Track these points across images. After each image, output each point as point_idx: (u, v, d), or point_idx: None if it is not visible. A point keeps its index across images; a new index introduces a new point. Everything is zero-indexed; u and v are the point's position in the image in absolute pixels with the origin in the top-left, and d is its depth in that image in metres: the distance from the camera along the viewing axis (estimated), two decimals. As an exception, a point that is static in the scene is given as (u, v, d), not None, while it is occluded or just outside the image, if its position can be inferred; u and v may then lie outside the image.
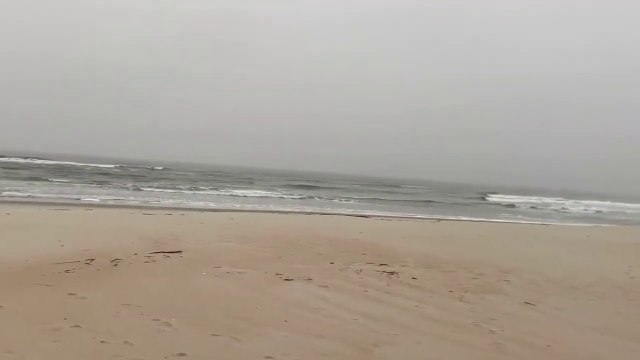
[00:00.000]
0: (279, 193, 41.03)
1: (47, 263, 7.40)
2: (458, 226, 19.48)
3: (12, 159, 58.92)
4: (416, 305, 6.68)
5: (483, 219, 29.49)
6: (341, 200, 38.31)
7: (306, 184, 58.63)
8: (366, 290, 7.25)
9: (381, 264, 9.29)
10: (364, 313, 6.16)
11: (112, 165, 63.22)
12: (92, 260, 7.81)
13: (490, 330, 5.92)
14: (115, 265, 7.66)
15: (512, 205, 49.88)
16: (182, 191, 34.79)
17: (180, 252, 9.00)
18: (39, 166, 51.91)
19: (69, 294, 5.96)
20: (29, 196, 23.75)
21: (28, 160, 58.96)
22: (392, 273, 8.58)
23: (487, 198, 58.82)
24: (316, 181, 67.94)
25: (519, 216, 36.44)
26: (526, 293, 7.97)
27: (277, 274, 7.82)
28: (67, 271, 7.04)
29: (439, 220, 22.03)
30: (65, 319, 5.07)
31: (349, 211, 28.50)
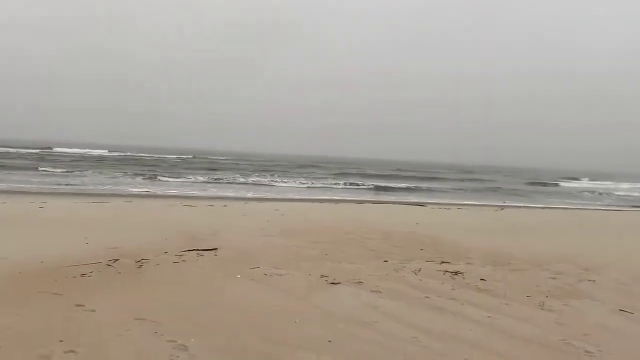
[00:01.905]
0: (331, 181, 39.99)
1: (64, 265, 6.59)
2: (524, 214, 17.92)
3: (79, 150, 60.37)
4: (489, 316, 5.51)
5: (549, 206, 27.68)
6: (395, 188, 36.87)
7: (358, 171, 57.43)
8: (427, 297, 6.11)
9: (442, 262, 8.11)
10: (426, 328, 5.04)
11: (174, 156, 64.01)
12: (115, 260, 6.96)
13: (586, 351, 4.71)
14: (140, 266, 6.79)
15: (574, 190, 47.27)
16: (232, 181, 34.24)
17: (215, 249, 8.07)
18: (104, 158, 52.83)
19: (77, 305, 5.08)
20: (69, 186, 23.63)
21: (101, 152, 60.27)
22: (456, 273, 7.40)
23: (560, 184, 56.07)
24: (368, 168, 66.67)
25: (585, 201, 34.14)
26: (618, 297, 6.66)
27: (322, 276, 6.77)
28: (83, 275, 6.20)
29: (502, 207, 20.44)
30: (61, 341, 4.16)
31: (405, 199, 27.21)
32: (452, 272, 7.41)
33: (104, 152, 63.34)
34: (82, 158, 51.02)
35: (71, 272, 6.30)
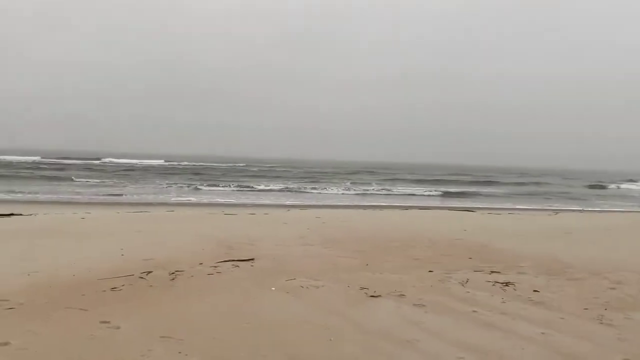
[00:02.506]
0: (374, 187, 39.45)
1: (96, 278, 6.42)
2: (580, 218, 16.99)
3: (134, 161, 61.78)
4: (543, 333, 5.00)
5: (607, 209, 26.46)
6: (441, 192, 36.00)
7: (406, 177, 56.64)
8: (475, 311, 5.63)
9: (492, 272, 7.58)
10: (474, 346, 4.59)
11: (223, 164, 64.76)
12: (149, 273, 6.75)
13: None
14: (173, 279, 6.55)
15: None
16: (277, 189, 34.17)
17: (252, 259, 7.79)
18: (153, 167, 53.82)
19: (102, 322, 4.85)
20: (115, 196, 23.97)
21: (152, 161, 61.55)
22: (507, 284, 6.87)
23: (607, 187, 53.49)
24: (414, 173, 65.72)
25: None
26: (687, 310, 6.02)
27: (361, 289, 6.37)
28: (113, 289, 6.00)
29: (556, 212, 19.50)
30: (77, 362, 3.93)
31: (452, 204, 26.49)
32: (502, 283, 6.89)
33: (154, 162, 64.56)
34: (132, 167, 52.10)
35: (102, 285, 6.11)
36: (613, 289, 6.80)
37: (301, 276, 6.88)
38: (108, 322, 4.86)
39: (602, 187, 52.18)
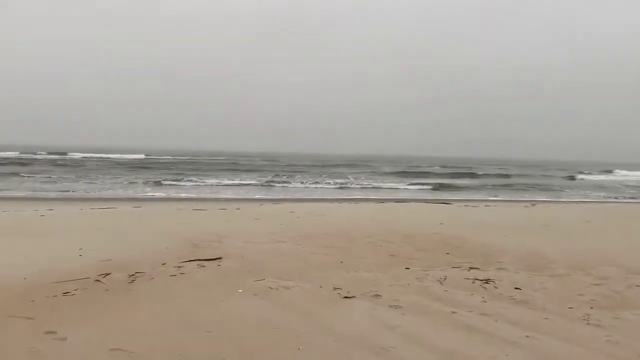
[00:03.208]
0: (350, 179, 39.13)
1: (48, 282, 5.92)
2: (558, 210, 16.80)
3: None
4: (527, 336, 4.68)
5: (584, 200, 26.53)
6: (416, 185, 35.82)
7: (384, 170, 56.59)
8: (454, 312, 5.29)
9: (471, 268, 7.27)
10: (454, 353, 4.25)
11: (202, 158, 63.89)
12: (106, 275, 6.27)
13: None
14: (132, 282, 6.09)
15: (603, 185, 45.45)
16: (254, 182, 33.64)
17: (219, 258, 7.35)
18: (126, 162, 52.73)
19: (47, 332, 4.39)
20: (84, 192, 23.25)
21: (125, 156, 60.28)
22: (487, 281, 6.55)
23: (576, 177, 53.76)
24: (392, 164, 65.81)
25: (622, 195, 32.51)
26: (675, 306, 5.77)
27: (334, 289, 5.99)
28: (65, 294, 5.52)
29: (533, 204, 19.32)
30: (12, 382, 3.47)
31: (427, 196, 26.28)
32: (482, 280, 6.57)
33: (133, 156, 63.32)
34: (104, 161, 51.01)
35: (53, 290, 5.62)
36: (598, 285, 6.53)
37: (271, 276, 6.47)
38: (54, 332, 4.40)
39: (574, 178, 52.52)
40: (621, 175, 59.08)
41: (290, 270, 6.83)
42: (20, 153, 60.69)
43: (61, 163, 47.42)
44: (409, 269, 7.15)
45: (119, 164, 49.26)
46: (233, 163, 59.06)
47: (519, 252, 8.45)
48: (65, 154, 64.00)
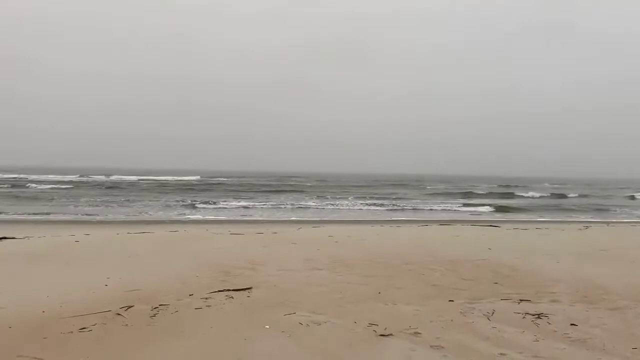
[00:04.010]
0: (394, 200, 38.43)
1: (67, 315, 5.64)
2: (613, 233, 15.80)
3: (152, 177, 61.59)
4: (589, 384, 4.08)
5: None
6: (462, 205, 34.84)
7: (431, 189, 55.66)
8: (503, 354, 4.72)
9: (522, 300, 6.65)
10: (504, 406, 3.70)
11: (246, 178, 64.38)
12: (129, 308, 5.96)
13: None
14: (154, 315, 5.75)
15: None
16: (293, 204, 33.43)
17: (249, 289, 6.96)
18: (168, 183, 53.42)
19: (54, 375, 4.07)
20: (123, 215, 23.35)
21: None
22: (539, 316, 5.94)
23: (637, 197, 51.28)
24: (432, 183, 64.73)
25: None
26: None
27: (370, 325, 5.50)
28: (82, 329, 5.20)
29: (586, 226, 18.28)
30: None
31: (474, 218, 25.44)
32: (534, 315, 5.97)
33: (190, 178, 64.27)
34: (147, 183, 51.74)
35: (70, 325, 5.32)
36: (663, 320, 5.84)
37: (302, 309, 6.03)
38: (61, 376, 4.07)
39: (630, 197, 50.31)
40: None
41: (324, 302, 6.37)
42: (81, 176, 62.48)
43: (110, 185, 48.40)
44: (452, 301, 6.58)
45: (164, 185, 49.88)
46: (273, 183, 59.25)
47: (573, 281, 7.76)
48: (109, 175, 65.53)
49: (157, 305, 6.07)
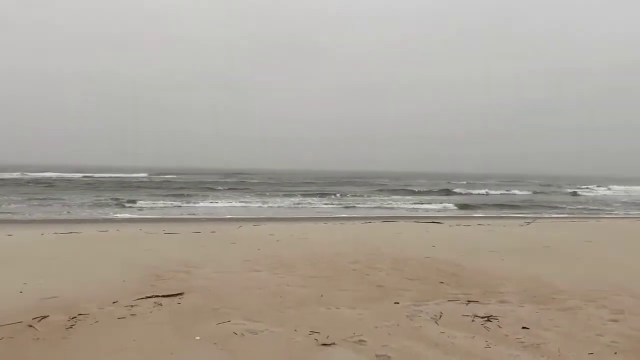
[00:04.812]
0: (320, 198, 38.24)
1: (-32, 329, 4.94)
2: (555, 228, 15.91)
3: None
4: (545, 395, 3.77)
5: (582, 216, 25.75)
6: (406, 203, 34.97)
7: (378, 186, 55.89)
8: (453, 363, 4.38)
9: (469, 301, 6.37)
10: None
11: (172, 175, 62.90)
12: (43, 318, 5.31)
13: None
14: (71, 327, 5.12)
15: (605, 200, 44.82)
16: (237, 200, 32.71)
17: (181, 294, 6.40)
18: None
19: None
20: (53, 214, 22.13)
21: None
22: (488, 319, 5.65)
23: (579, 193, 52.81)
24: (379, 181, 65.16)
25: (619, 211, 31.63)
26: None
27: (311, 333, 5.06)
28: (-18, 346, 4.54)
29: (529, 222, 18.41)
30: None
31: (417, 213, 25.46)
32: (483, 318, 5.68)
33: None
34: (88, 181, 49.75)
35: (-31, 341, 4.65)
36: (615, 321, 5.66)
37: (238, 316, 5.53)
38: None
39: (563, 193, 51.91)
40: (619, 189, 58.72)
41: (262, 308, 5.89)
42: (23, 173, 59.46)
43: (43, 182, 46.21)
44: (398, 303, 6.23)
45: (102, 183, 48.04)
46: (221, 181, 58.21)
47: (521, 279, 7.57)
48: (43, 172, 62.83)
49: (76, 315, 5.45)
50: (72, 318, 5.37)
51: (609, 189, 61.47)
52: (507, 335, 5.12)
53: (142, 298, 6.16)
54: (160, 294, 6.33)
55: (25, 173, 61.35)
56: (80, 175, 60.15)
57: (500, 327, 5.39)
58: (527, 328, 5.35)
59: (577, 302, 6.41)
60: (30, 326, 5.11)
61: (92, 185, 43.42)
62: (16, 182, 45.39)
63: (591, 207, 33.52)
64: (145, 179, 58.02)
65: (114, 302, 5.97)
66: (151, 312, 5.66)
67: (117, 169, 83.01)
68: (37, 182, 46.68)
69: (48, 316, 5.39)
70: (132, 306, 5.83)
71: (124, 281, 7.04)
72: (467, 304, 6.23)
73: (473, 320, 5.59)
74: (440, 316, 5.71)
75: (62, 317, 5.37)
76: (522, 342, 4.94)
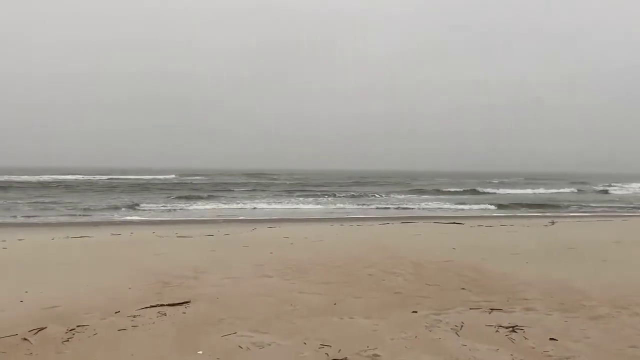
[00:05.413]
0: (342, 198, 37.81)
1: (-40, 343, 4.69)
2: (581, 229, 15.28)
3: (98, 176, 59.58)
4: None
5: (608, 214, 25.01)
6: (427, 203, 34.40)
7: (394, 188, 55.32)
8: (476, 381, 4.00)
9: (492, 309, 5.96)
10: None
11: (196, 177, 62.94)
12: (40, 330, 5.04)
13: None
14: (68, 340, 4.84)
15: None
16: (251, 202, 32.46)
17: (187, 302, 6.10)
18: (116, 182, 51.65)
19: None
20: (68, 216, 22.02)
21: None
22: (513, 329, 5.26)
23: (609, 192, 51.49)
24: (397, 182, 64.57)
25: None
26: None
27: (322, 346, 4.71)
28: (-29, 362, 4.28)
29: (552, 222, 17.79)
30: None
31: (437, 214, 24.96)
32: (507, 328, 5.28)
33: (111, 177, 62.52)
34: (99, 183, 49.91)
35: (-41, 356, 4.39)
36: (651, 329, 5.23)
37: (244, 327, 5.22)
38: None
39: (592, 192, 50.77)
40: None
41: (271, 318, 5.57)
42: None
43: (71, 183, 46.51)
44: (416, 312, 5.86)
45: (124, 185, 48.13)
46: (238, 181, 58.12)
47: (546, 285, 7.13)
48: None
49: (75, 327, 5.17)
50: (70, 330, 5.09)
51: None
52: (533, 348, 4.73)
53: (146, 307, 5.87)
54: (165, 303, 6.03)
55: (52, 175, 61.87)
56: (106, 177, 60.41)
57: (526, 338, 4.99)
58: (555, 339, 4.95)
59: (608, 309, 5.97)
60: (25, 339, 4.83)
61: (113, 188, 43.45)
62: (44, 185, 45.62)
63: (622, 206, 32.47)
64: (172, 180, 58.30)
65: (116, 312, 5.69)
66: (154, 322, 5.37)
67: (145, 171, 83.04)
68: (60, 184, 46.94)
69: (46, 328, 5.12)
70: (134, 316, 5.55)
71: (129, 288, 6.77)
72: (490, 313, 5.84)
73: (497, 331, 5.20)
74: (462, 326, 5.33)
75: (60, 329, 5.10)
76: (550, 356, 4.55)
